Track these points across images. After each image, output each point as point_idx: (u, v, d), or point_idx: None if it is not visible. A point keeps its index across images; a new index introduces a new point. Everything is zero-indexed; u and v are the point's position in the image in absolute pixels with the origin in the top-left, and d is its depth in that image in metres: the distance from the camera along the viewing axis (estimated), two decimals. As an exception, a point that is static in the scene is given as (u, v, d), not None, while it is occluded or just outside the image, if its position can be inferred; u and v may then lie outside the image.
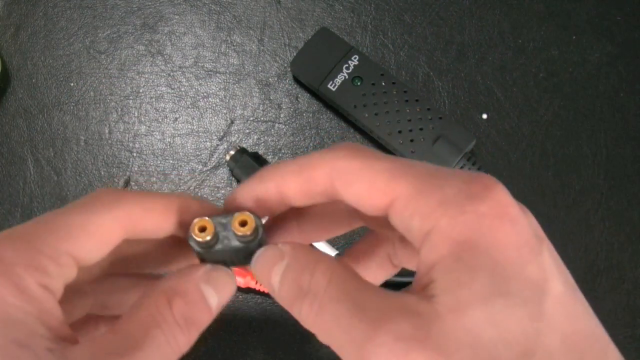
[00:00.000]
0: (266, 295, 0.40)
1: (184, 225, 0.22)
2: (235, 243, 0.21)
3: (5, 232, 0.20)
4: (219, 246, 0.21)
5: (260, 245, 0.22)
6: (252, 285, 0.39)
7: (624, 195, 0.41)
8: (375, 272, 0.25)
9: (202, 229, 0.21)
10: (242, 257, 0.22)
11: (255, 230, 0.21)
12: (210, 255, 0.22)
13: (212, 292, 0.21)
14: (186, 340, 0.20)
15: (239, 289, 0.40)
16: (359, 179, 0.20)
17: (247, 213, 0.21)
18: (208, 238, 0.21)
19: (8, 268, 0.18)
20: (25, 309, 0.18)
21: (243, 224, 0.21)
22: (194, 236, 0.21)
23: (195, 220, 0.21)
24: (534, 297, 0.17)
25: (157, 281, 0.21)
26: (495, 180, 0.19)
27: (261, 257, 0.21)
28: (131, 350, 0.19)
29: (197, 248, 0.21)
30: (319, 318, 0.19)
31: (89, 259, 0.20)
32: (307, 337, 0.39)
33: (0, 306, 0.18)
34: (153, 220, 0.22)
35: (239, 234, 0.21)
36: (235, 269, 0.38)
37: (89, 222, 0.20)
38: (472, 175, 0.19)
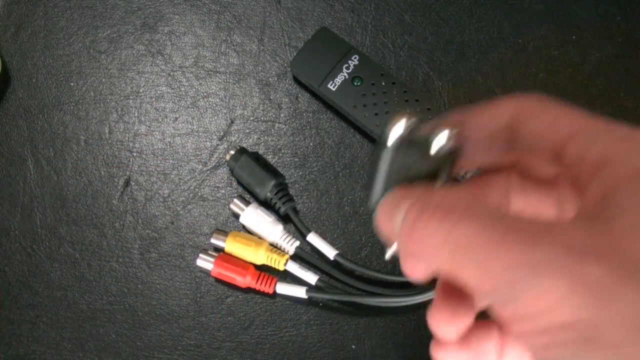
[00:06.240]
0: (266, 295, 0.40)
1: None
2: (430, 154, 0.19)
3: None
4: (413, 148, 0.19)
5: (450, 168, 0.20)
6: (253, 284, 0.39)
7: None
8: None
9: (405, 117, 0.19)
10: (427, 172, 0.19)
11: (457, 147, 0.19)
12: (399, 162, 0.20)
13: None
14: None
15: (240, 289, 0.40)
16: (547, 111, 0.19)
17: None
18: (412, 120, 0.19)
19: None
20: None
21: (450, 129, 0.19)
22: (396, 119, 0.19)
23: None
24: None
25: None
26: None
27: (390, 195, 0.19)
28: None
29: (393, 136, 0.19)
30: (453, 232, 0.16)
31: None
32: (307, 338, 0.39)
33: None
34: None
35: (446, 131, 0.19)
36: (234, 268, 0.38)
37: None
38: None
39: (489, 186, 0.23)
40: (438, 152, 0.19)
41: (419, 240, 0.17)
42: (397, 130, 0.19)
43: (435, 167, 0.20)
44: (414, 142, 0.19)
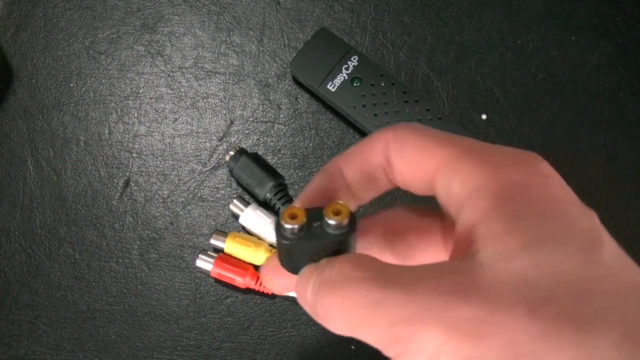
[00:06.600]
0: (266, 295, 0.40)
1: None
2: (328, 235, 0.19)
3: None
4: (309, 238, 0.19)
5: (349, 241, 0.20)
6: (252, 285, 0.39)
7: (624, 196, 0.41)
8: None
9: (293, 217, 0.19)
10: (331, 253, 0.20)
11: (351, 220, 0.19)
12: (299, 248, 0.20)
13: None
14: None
15: (239, 290, 0.40)
16: (411, 144, 0.19)
17: (340, 202, 0.19)
18: (296, 226, 0.19)
19: None
20: None
21: (336, 213, 0.19)
22: (283, 223, 0.19)
23: (286, 208, 0.19)
24: (587, 245, 0.16)
25: None
26: (541, 157, 0.18)
27: (301, 273, 0.20)
28: None
29: (286, 236, 0.19)
30: (344, 302, 0.17)
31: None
32: (307, 338, 0.39)
33: None
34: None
35: (333, 222, 0.19)
36: (234, 269, 0.38)
37: None
38: (518, 150, 0.19)
39: (374, 229, 0.23)
40: (331, 235, 0.20)
41: (321, 312, 0.18)
42: (287, 228, 0.19)
43: (338, 244, 0.20)
44: (309, 231, 0.20)
